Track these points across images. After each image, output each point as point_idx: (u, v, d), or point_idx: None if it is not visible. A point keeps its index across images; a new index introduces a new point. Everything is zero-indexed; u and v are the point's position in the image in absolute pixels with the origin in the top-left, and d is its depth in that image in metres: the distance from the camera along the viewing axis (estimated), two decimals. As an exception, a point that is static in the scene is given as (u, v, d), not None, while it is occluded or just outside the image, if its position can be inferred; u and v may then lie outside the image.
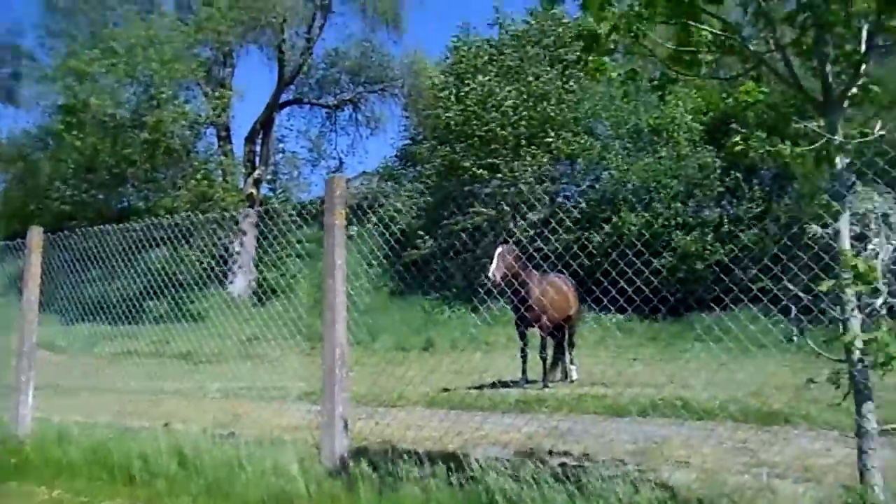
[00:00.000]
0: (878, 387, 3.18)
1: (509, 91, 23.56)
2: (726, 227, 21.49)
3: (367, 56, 32.12)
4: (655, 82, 3.81)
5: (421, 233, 23.99)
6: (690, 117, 23.45)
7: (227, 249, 24.38)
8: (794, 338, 12.83)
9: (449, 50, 27.50)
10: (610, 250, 17.70)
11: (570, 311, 10.95)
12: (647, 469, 4.95)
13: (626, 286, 5.80)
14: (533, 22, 26.61)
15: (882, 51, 3.17)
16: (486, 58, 25.12)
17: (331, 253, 4.60)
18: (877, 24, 3.00)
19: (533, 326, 10.50)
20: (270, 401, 10.24)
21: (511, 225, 20.52)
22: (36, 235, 7.41)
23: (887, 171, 3.35)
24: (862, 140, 3.06)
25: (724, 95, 23.57)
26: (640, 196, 21.69)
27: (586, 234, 20.38)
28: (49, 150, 31.64)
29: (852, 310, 3.10)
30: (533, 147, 23.29)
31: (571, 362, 11.21)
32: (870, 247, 3.30)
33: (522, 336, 10.61)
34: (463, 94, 24.15)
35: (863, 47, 3.07)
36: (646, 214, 21.38)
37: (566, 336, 11.06)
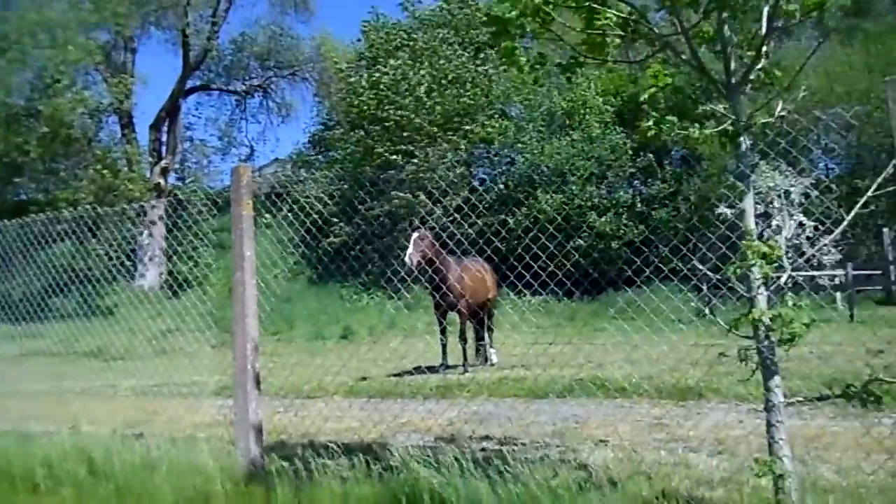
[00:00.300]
0: (783, 358, 3.27)
1: (423, 75, 23.45)
2: (639, 207, 22.05)
3: (275, 40, 31.44)
4: (564, 65, 3.80)
5: (336, 220, 23.70)
6: (601, 100, 23.91)
7: (135, 241, 23.53)
8: (704, 314, 13.28)
9: (360, 34, 27.21)
10: (523, 234, 17.91)
11: (488, 295, 11.01)
12: (567, 450, 5.01)
13: (542, 269, 5.84)
14: (443, 4, 26.57)
15: (781, 33, 3.23)
16: (397, 42, 24.93)
17: (239, 244, 4.44)
18: (775, 7, 3.06)
19: (451, 311, 10.51)
20: (185, 397, 9.94)
21: (427, 210, 20.49)
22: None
23: (788, 151, 3.44)
24: (764, 121, 3.13)
25: (631, 80, 24.23)
26: (555, 178, 22.00)
27: (502, 217, 20.54)
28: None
29: (758, 287, 3.17)
30: (448, 132, 23.27)
31: (491, 346, 11.29)
32: (773, 223, 3.37)
33: (441, 321, 10.61)
34: (375, 78, 23.90)
35: (763, 30, 3.13)
36: (560, 196, 21.69)
37: (485, 320, 11.12)
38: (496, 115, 24.61)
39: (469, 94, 24.05)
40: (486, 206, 21.18)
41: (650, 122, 2.98)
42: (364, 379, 9.99)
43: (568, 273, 6.19)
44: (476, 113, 24.13)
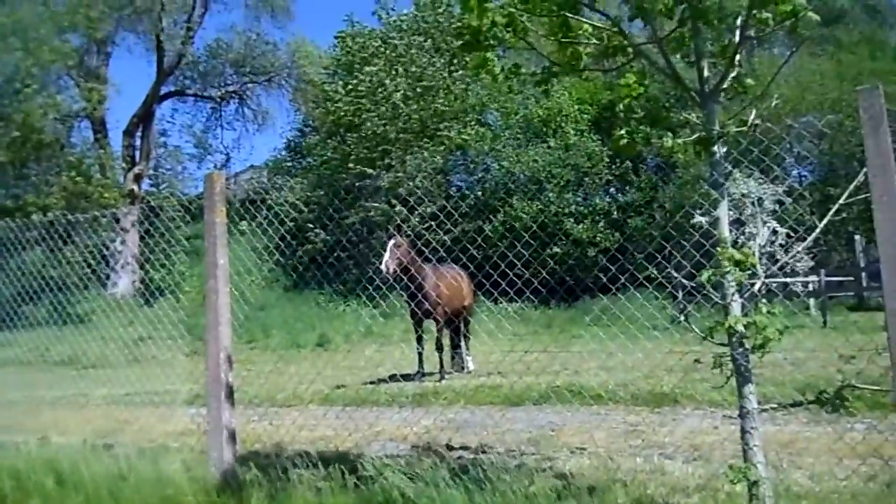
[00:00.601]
0: (757, 364, 3.29)
1: (398, 83, 23.42)
2: (615, 214, 22.16)
3: (251, 46, 31.25)
4: (538, 76, 3.80)
5: (311, 226, 23.58)
6: (577, 108, 24.04)
7: (107, 248, 23.22)
8: (679, 321, 13.38)
9: (336, 42, 27.10)
10: (500, 241, 17.94)
11: (464, 302, 10.99)
12: (543, 458, 5.00)
13: (518, 276, 5.83)
14: (416, 11, 26.57)
15: (754, 42, 3.26)
16: (372, 49, 24.88)
17: (212, 252, 4.39)
18: (749, 16, 3.08)
19: (428, 318, 10.48)
20: (157, 406, 9.81)
21: (403, 218, 20.46)
22: None
23: (762, 159, 3.47)
24: (738, 129, 3.15)
25: (607, 88, 24.39)
26: (531, 186, 22.06)
27: (479, 224, 20.55)
28: None
29: (732, 295, 3.18)
30: (424, 140, 23.25)
31: (467, 353, 11.27)
32: (747, 230, 3.39)
33: (418, 328, 10.58)
34: (351, 86, 23.83)
35: (736, 38, 3.15)
36: (537, 204, 21.75)
37: (461, 327, 11.10)
38: (472, 123, 24.63)
39: (444, 101, 24.03)
40: (463, 213, 21.19)
41: (622, 132, 2.98)
42: (340, 387, 9.92)
43: (544, 280, 6.19)
44: (452, 120, 24.12)
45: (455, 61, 24.27)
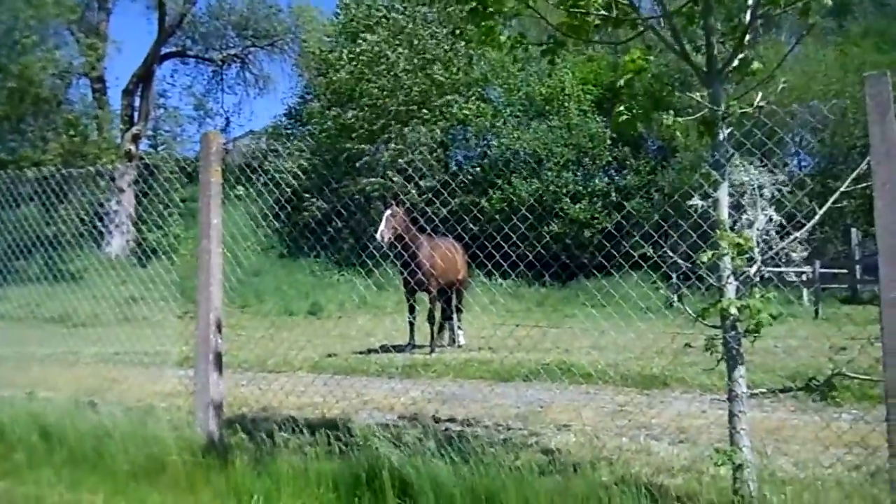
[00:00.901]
0: (748, 350, 3.28)
1: (400, 53, 23.16)
2: (614, 196, 22.11)
3: (254, 9, 30.86)
4: (544, 47, 3.75)
5: (308, 195, 23.46)
6: (581, 87, 23.88)
7: (102, 207, 23.09)
8: (673, 303, 13.40)
9: (339, 9, 26.76)
10: (497, 217, 17.91)
11: (458, 276, 10.95)
12: (530, 433, 5.01)
13: (514, 252, 5.80)
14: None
15: (763, 23, 3.20)
16: (375, 19, 24.57)
17: (206, 212, 4.35)
18: (761, -5, 3.03)
19: (421, 290, 10.46)
20: (147, 366, 9.82)
21: (401, 189, 20.36)
22: None
23: (765, 142, 3.43)
24: (742, 110, 3.10)
25: (611, 69, 24.24)
26: (531, 163, 21.97)
27: (477, 199, 20.49)
28: None
29: (728, 277, 3.16)
30: (424, 111, 23.05)
31: (459, 327, 11.26)
32: (744, 217, 3.36)
33: (410, 299, 10.56)
34: (353, 55, 23.56)
35: (747, 18, 3.10)
36: (536, 182, 21.68)
37: (454, 301, 11.08)
38: (474, 98, 24.45)
39: (446, 74, 23.80)
40: (461, 187, 21.10)
41: (622, 108, 2.94)
42: (330, 355, 9.93)
43: (539, 258, 6.17)
44: (453, 94, 23.92)
45: (458, 32, 23.97)
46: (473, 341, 11.07)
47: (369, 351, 10.35)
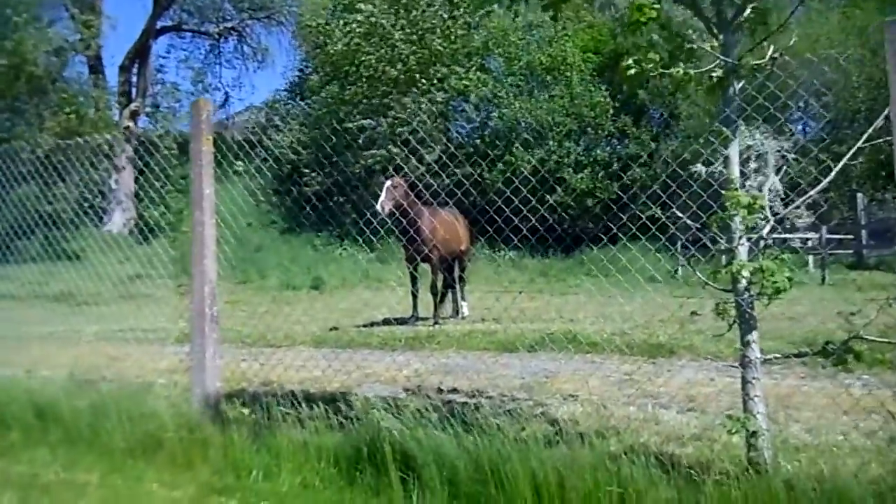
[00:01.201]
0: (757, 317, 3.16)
1: (395, 22, 22.79)
2: (615, 166, 21.91)
3: (250, -20, 30.40)
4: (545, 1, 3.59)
5: (307, 171, 23.30)
6: (582, 56, 23.56)
7: (103, 184, 22.93)
8: (679, 269, 13.26)
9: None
10: (502, 187, 17.72)
11: (461, 247, 10.81)
12: (536, 404, 4.91)
13: (517, 223, 5.65)
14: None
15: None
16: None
17: (198, 182, 4.21)
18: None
19: (423, 261, 10.34)
20: (150, 343, 9.74)
21: (403, 161, 20.18)
22: None
23: (777, 97, 3.27)
24: (756, 62, 2.95)
25: (612, 36, 23.89)
26: (533, 134, 21.76)
27: (479, 171, 20.29)
28: None
29: (739, 238, 3.03)
30: (423, 81, 22.75)
31: (463, 298, 11.15)
32: (748, 183, 3.21)
33: (413, 272, 10.45)
34: (349, 28, 23.21)
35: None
36: (539, 152, 21.47)
37: (457, 272, 10.95)
38: (474, 68, 24.13)
39: (444, 43, 23.42)
40: (463, 159, 20.88)
41: (630, 61, 2.78)
42: (333, 329, 9.83)
43: (542, 227, 6.03)
44: (452, 64, 23.58)
45: (455, 1, 23.55)
46: (477, 312, 10.97)
47: (372, 324, 10.26)
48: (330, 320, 10.57)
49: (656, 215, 4.59)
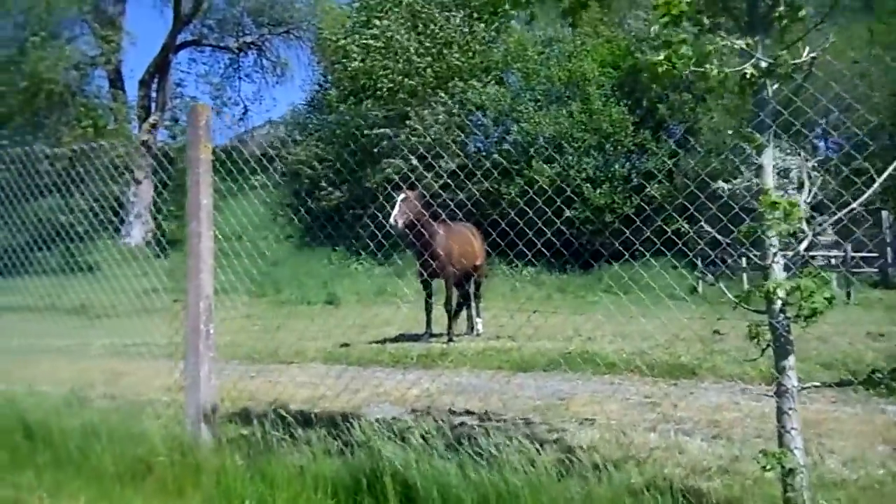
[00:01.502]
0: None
1: (411, 36, 22.73)
2: (635, 181, 21.61)
3: (270, -5, 30.49)
4: (565, 4, 3.37)
5: (324, 185, 23.23)
6: (600, 71, 23.35)
7: (122, 197, 22.95)
8: (699, 285, 12.92)
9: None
10: (519, 201, 17.46)
11: (476, 262, 10.53)
12: (550, 429, 4.63)
13: (534, 239, 5.40)
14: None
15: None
16: (389, 4, 24.10)
17: (195, 191, 3.99)
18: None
19: (437, 277, 10.09)
20: (157, 358, 9.54)
21: (418, 176, 20.00)
22: None
23: (817, 99, 3.01)
24: (794, 62, 2.69)
25: (629, 52, 23.65)
26: (552, 148, 21.52)
27: (496, 186, 20.06)
28: None
29: (774, 254, 2.76)
30: (441, 95, 22.65)
31: (478, 315, 10.87)
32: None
33: (427, 287, 10.20)
34: (365, 43, 23.18)
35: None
36: (557, 168, 21.23)
37: (472, 287, 10.67)
38: (492, 82, 23.99)
39: (462, 57, 23.34)
40: (481, 173, 20.67)
41: (660, 57, 2.53)
42: (345, 345, 9.60)
43: (563, 244, 5.78)
44: (470, 79, 23.46)
45: (474, 16, 23.49)
46: (492, 329, 10.69)
47: (384, 340, 10.00)
48: (343, 336, 10.33)
49: (679, 230, 4.34)
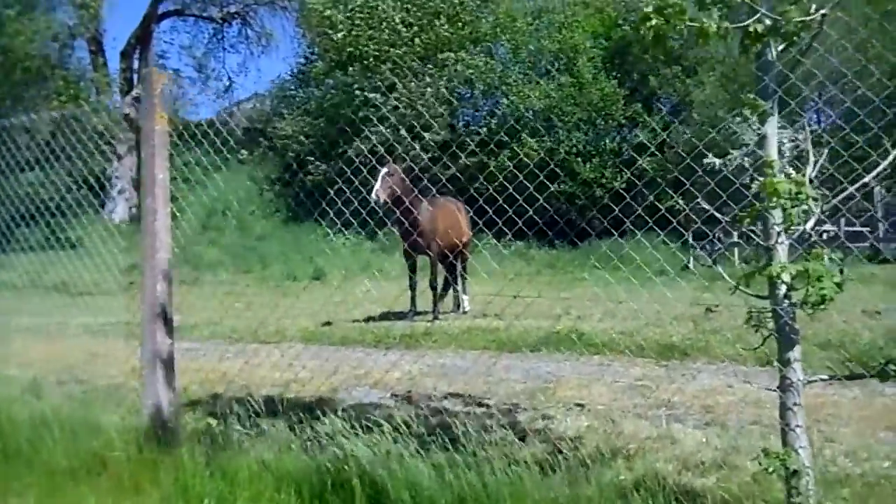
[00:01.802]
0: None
1: (396, 6, 22.26)
2: (626, 155, 21.35)
3: (254, -37, 29.74)
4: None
5: (311, 158, 22.86)
6: (591, 43, 22.96)
7: (104, 172, 22.49)
8: (691, 261, 12.69)
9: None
10: (508, 176, 17.14)
11: (462, 238, 10.20)
12: (533, 418, 4.39)
13: (522, 214, 5.11)
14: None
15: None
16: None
17: (150, 165, 3.68)
18: None
19: (422, 253, 9.81)
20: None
21: (405, 147, 19.64)
22: None
23: (827, 60, 2.73)
24: (800, 19, 2.40)
25: (618, 24, 23.25)
26: (540, 123, 21.20)
27: (484, 159, 19.74)
28: None
29: (778, 234, 2.49)
30: (428, 66, 22.23)
31: (464, 292, 10.60)
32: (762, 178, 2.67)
33: (412, 264, 9.92)
34: (350, 14, 22.68)
35: None
36: (546, 141, 20.91)
37: (458, 264, 10.38)
38: (481, 54, 23.55)
39: (450, 29, 22.88)
40: (469, 147, 20.34)
41: (651, 10, 2.23)
42: (328, 324, 9.33)
43: (549, 219, 5.52)
44: (460, 49, 23.01)
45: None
46: (479, 307, 10.43)
47: (368, 319, 9.74)
48: (327, 313, 10.05)
49: (671, 205, 4.08)
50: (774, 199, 2.37)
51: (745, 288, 2.59)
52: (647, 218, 3.80)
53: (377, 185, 8.84)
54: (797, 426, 2.42)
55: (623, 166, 20.79)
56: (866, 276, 14.14)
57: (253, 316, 10.17)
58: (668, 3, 2.16)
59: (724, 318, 7.64)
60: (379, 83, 21.77)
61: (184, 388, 5.75)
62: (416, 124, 18.08)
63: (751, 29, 2.36)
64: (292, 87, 29.13)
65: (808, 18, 2.42)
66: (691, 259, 13.98)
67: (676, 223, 3.32)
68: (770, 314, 2.52)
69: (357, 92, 22.05)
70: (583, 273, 14.39)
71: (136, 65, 28.05)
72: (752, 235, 2.62)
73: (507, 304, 9.36)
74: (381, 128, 20.54)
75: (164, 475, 3.37)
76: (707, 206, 2.70)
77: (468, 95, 24.03)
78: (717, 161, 2.85)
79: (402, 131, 19.78)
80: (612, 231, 4.23)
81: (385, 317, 9.85)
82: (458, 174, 11.04)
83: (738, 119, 2.75)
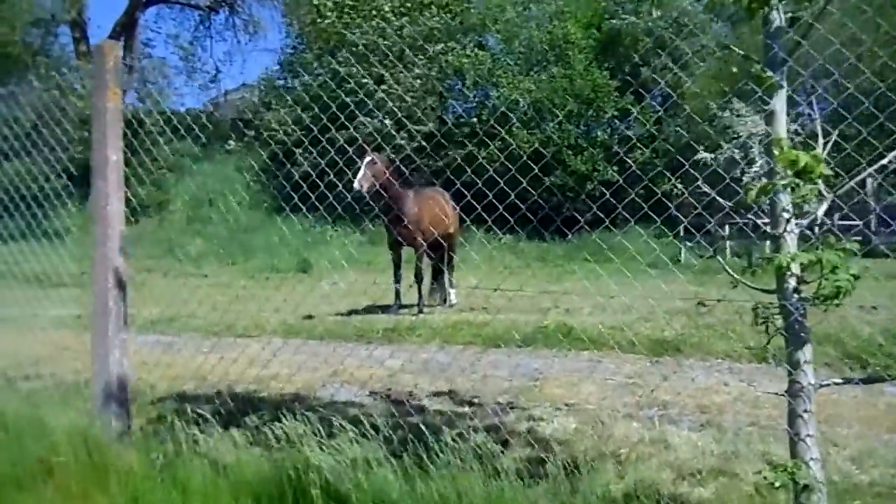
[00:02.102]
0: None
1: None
2: (616, 148, 21.11)
3: (241, -50, 29.30)
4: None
5: (298, 150, 22.53)
6: (581, 33, 22.67)
7: (88, 159, 22.06)
8: (682, 253, 12.45)
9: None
10: (498, 168, 16.89)
11: (449, 230, 9.90)
12: (520, 417, 4.13)
13: (513, 206, 4.84)
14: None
15: None
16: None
17: (101, 145, 3.38)
18: None
19: (407, 245, 9.52)
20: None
21: (396, 139, 19.33)
22: None
23: (846, 27, 2.47)
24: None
25: (609, 16, 22.98)
26: (532, 114, 20.95)
27: (473, 151, 19.47)
28: None
29: (787, 221, 2.23)
30: (419, 56, 21.92)
31: (451, 285, 10.31)
32: (753, 169, 2.42)
33: (397, 256, 9.63)
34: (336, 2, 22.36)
35: None
36: (537, 133, 20.66)
37: (445, 257, 10.08)
38: (471, 45, 23.24)
39: (440, 19, 22.58)
40: (458, 138, 20.06)
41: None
42: (309, 317, 9.04)
43: (539, 212, 5.25)
44: (449, 40, 22.71)
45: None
46: (466, 300, 10.16)
47: (351, 312, 9.45)
48: (310, 306, 9.75)
49: (662, 196, 3.83)
50: (790, 172, 2.10)
51: (748, 281, 2.34)
52: (642, 203, 3.54)
53: (359, 175, 8.56)
54: (808, 436, 2.17)
55: (614, 159, 20.55)
56: (859, 270, 13.97)
57: (233, 309, 9.89)
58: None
59: (717, 312, 7.44)
60: (368, 72, 21.44)
61: (151, 384, 5.50)
62: (402, 116, 17.76)
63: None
64: (281, 78, 28.72)
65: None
66: (682, 252, 13.74)
67: (674, 208, 3.05)
68: (778, 310, 2.26)
69: (348, 77, 21.72)
70: (573, 265, 14.16)
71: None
72: (745, 229, 2.36)
73: (495, 297, 9.12)
74: (368, 120, 20.31)
75: (113, 482, 3.10)
76: (708, 190, 2.44)
77: (457, 86, 23.72)
78: (709, 156, 2.61)
79: (387, 122, 19.50)
80: (604, 219, 3.95)
81: (370, 310, 9.57)
82: (444, 167, 10.77)
83: (727, 113, 2.54)
